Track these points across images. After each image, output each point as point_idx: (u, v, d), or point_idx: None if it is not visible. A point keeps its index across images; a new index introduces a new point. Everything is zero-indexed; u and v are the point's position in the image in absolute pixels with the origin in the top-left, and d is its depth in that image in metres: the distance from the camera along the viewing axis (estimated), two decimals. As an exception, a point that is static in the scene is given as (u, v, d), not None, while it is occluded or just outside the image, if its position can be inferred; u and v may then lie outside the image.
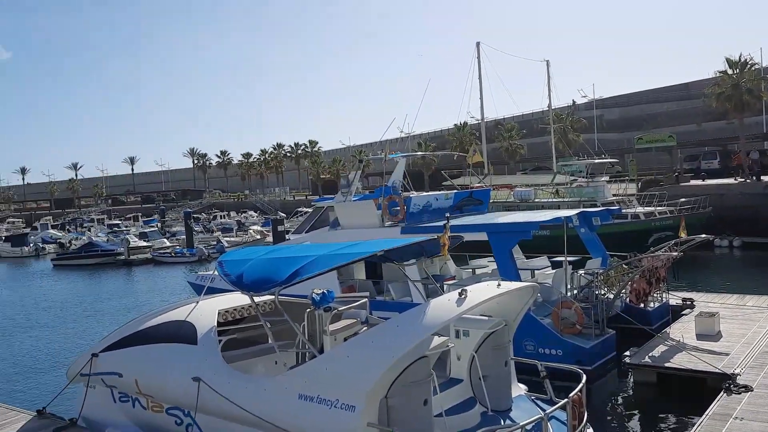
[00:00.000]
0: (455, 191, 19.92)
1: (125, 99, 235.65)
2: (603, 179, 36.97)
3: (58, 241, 61.61)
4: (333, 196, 20.35)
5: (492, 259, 15.82)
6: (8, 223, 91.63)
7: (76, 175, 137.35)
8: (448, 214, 11.06)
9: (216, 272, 9.64)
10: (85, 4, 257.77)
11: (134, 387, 9.41)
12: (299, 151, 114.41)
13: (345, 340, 8.28)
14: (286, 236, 28.28)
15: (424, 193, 19.40)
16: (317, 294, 8.49)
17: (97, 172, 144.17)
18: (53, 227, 78.33)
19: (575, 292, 14.45)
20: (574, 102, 77.12)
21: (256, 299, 9.24)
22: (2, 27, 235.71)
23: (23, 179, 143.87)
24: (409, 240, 9.60)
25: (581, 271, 15.46)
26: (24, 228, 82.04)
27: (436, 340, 7.78)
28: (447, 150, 51.38)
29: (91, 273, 41.34)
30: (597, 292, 13.96)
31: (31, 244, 58.60)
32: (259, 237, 49.89)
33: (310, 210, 47.08)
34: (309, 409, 7.52)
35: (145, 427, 9.42)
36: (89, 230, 73.01)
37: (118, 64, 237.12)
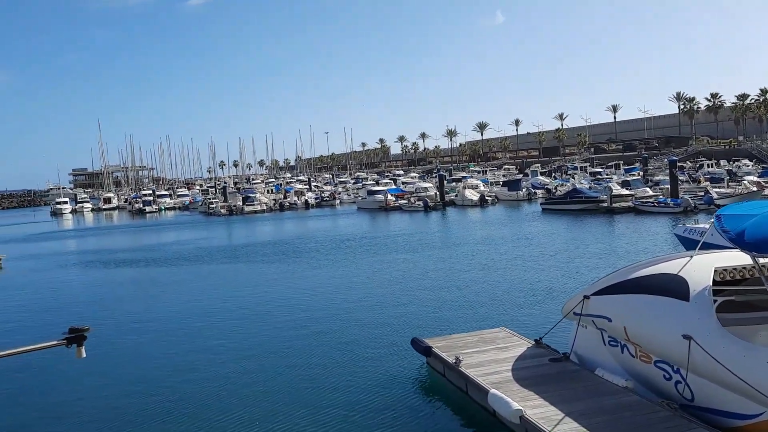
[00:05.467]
0: None
1: (608, 46, 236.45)
2: None
3: (546, 187, 66.86)
4: None
5: None
6: (505, 169, 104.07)
7: (562, 125, 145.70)
8: None
9: (711, 226, 9.01)
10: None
11: (623, 333, 9.65)
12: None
13: None
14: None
15: None
16: None
17: (581, 121, 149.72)
18: (541, 174, 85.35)
19: None
20: None
21: (760, 260, 8.30)
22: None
23: (516, 130, 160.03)
24: None
25: None
26: (517, 174, 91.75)
27: None
28: None
29: (575, 218, 43.63)
30: None
31: (524, 189, 65.06)
32: (755, 189, 44.31)
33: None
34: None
35: (633, 374, 9.60)
36: (573, 177, 76.94)
37: (604, 12, 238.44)
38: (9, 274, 33.99)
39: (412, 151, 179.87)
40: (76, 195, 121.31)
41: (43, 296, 25.82)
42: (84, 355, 4.30)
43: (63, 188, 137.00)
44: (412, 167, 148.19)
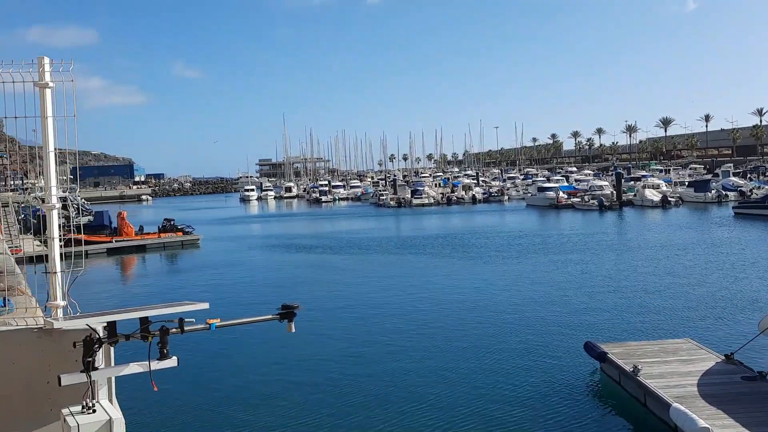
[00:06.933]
0: None
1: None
2: None
3: (739, 189, 60.69)
4: None
5: None
6: (691, 168, 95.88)
7: (761, 121, 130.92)
8: None
9: None
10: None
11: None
12: None
13: None
14: None
15: None
16: None
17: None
18: (734, 175, 77.56)
19: None
20: None
21: None
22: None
23: (706, 126, 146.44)
24: None
25: None
26: (705, 174, 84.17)
27: None
28: None
29: (774, 225, 39.21)
30: None
31: (713, 191, 59.62)
32: None
33: None
34: None
35: None
36: (773, 179, 69.01)
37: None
38: (206, 252, 37.96)
39: (587, 147, 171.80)
40: (261, 183, 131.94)
41: (236, 274, 28.54)
42: (293, 330, 4.73)
43: (250, 177, 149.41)
44: (586, 164, 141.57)
